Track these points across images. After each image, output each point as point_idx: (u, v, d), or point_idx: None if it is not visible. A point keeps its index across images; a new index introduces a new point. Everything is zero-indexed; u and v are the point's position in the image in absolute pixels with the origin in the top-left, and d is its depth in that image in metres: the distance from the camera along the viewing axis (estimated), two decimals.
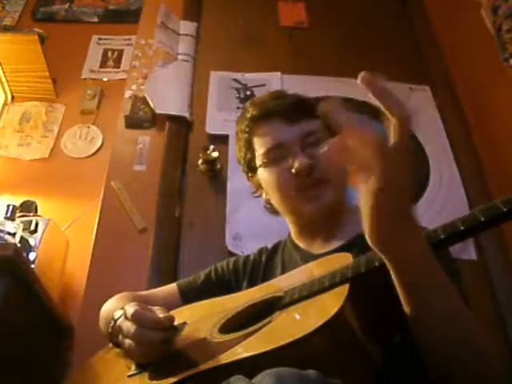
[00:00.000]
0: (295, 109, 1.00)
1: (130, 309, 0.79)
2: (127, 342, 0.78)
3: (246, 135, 1.03)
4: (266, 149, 0.98)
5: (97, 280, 1.49)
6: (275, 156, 0.97)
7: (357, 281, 0.65)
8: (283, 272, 0.97)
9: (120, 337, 0.81)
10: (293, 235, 1.04)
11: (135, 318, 0.77)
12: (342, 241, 0.93)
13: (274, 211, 1.06)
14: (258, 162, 1.01)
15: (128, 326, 0.78)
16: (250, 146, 1.03)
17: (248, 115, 1.03)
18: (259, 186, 1.05)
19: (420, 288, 0.61)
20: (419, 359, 0.63)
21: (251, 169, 1.04)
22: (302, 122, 0.98)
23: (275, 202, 1.01)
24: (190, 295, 1.03)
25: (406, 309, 0.62)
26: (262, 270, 1.03)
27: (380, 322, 0.65)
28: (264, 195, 1.05)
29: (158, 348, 0.78)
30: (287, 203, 0.98)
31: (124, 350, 0.80)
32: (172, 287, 1.07)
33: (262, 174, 1.00)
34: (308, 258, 0.92)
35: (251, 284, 1.00)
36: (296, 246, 1.02)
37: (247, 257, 1.09)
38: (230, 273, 1.06)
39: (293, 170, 0.94)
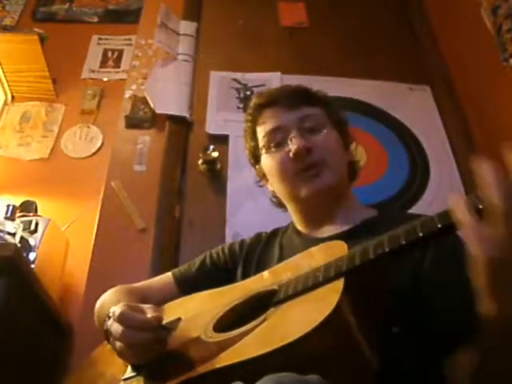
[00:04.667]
0: (296, 95, 1.02)
1: (117, 310, 0.77)
2: (117, 344, 0.77)
3: (251, 124, 1.06)
4: (265, 132, 1.01)
5: (97, 280, 1.49)
6: (274, 140, 0.99)
7: (352, 274, 0.64)
8: (281, 254, 0.98)
9: (111, 339, 0.79)
10: (295, 222, 1.05)
11: (121, 320, 0.76)
12: (344, 227, 0.93)
13: (280, 204, 1.07)
14: (260, 148, 1.03)
15: (116, 328, 0.76)
16: (253, 135, 1.05)
17: (252, 105, 1.07)
18: (263, 176, 1.06)
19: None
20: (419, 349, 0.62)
21: (256, 158, 1.06)
22: (301, 108, 1.00)
23: (276, 188, 1.02)
24: (185, 283, 1.03)
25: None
26: (259, 252, 1.03)
27: (378, 313, 0.64)
28: (269, 186, 1.06)
29: (150, 349, 0.76)
30: (285, 186, 0.98)
31: (116, 351, 0.79)
32: (167, 276, 1.07)
33: (264, 160, 1.02)
34: (308, 241, 0.92)
35: (245, 267, 1.01)
36: (297, 231, 1.02)
37: (242, 241, 1.10)
38: (227, 257, 1.07)
39: (290, 154, 0.95)
